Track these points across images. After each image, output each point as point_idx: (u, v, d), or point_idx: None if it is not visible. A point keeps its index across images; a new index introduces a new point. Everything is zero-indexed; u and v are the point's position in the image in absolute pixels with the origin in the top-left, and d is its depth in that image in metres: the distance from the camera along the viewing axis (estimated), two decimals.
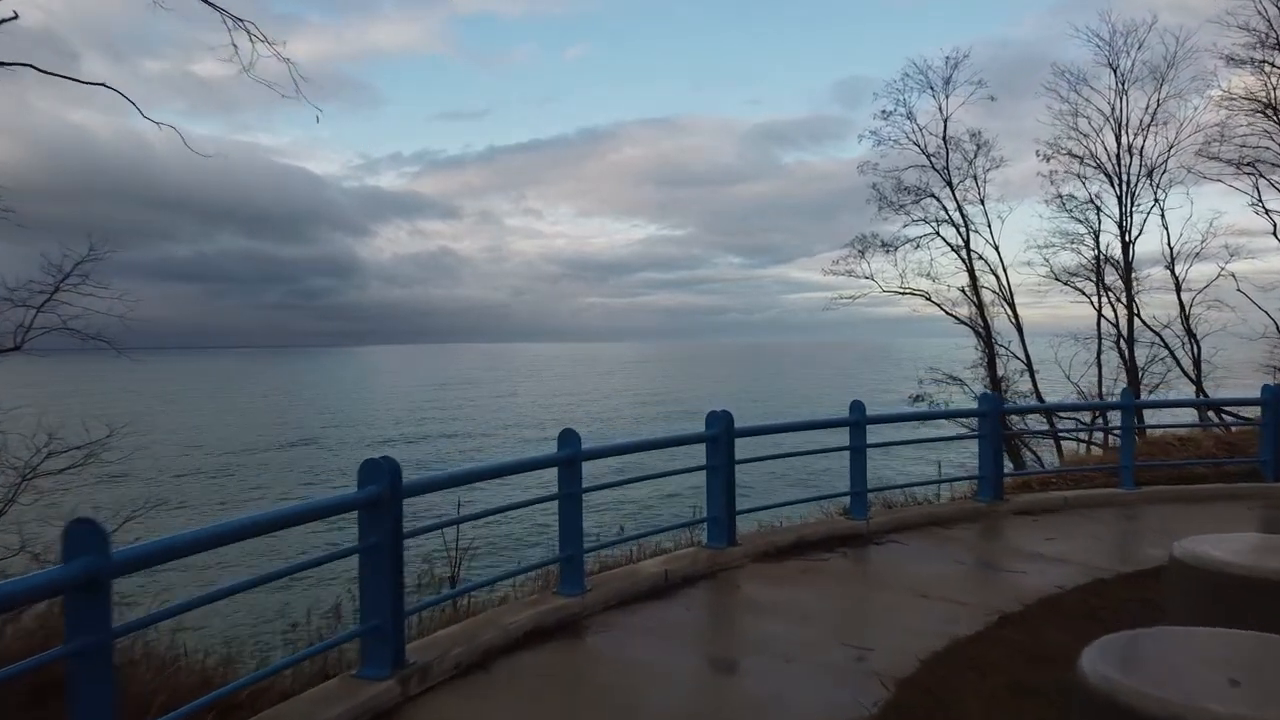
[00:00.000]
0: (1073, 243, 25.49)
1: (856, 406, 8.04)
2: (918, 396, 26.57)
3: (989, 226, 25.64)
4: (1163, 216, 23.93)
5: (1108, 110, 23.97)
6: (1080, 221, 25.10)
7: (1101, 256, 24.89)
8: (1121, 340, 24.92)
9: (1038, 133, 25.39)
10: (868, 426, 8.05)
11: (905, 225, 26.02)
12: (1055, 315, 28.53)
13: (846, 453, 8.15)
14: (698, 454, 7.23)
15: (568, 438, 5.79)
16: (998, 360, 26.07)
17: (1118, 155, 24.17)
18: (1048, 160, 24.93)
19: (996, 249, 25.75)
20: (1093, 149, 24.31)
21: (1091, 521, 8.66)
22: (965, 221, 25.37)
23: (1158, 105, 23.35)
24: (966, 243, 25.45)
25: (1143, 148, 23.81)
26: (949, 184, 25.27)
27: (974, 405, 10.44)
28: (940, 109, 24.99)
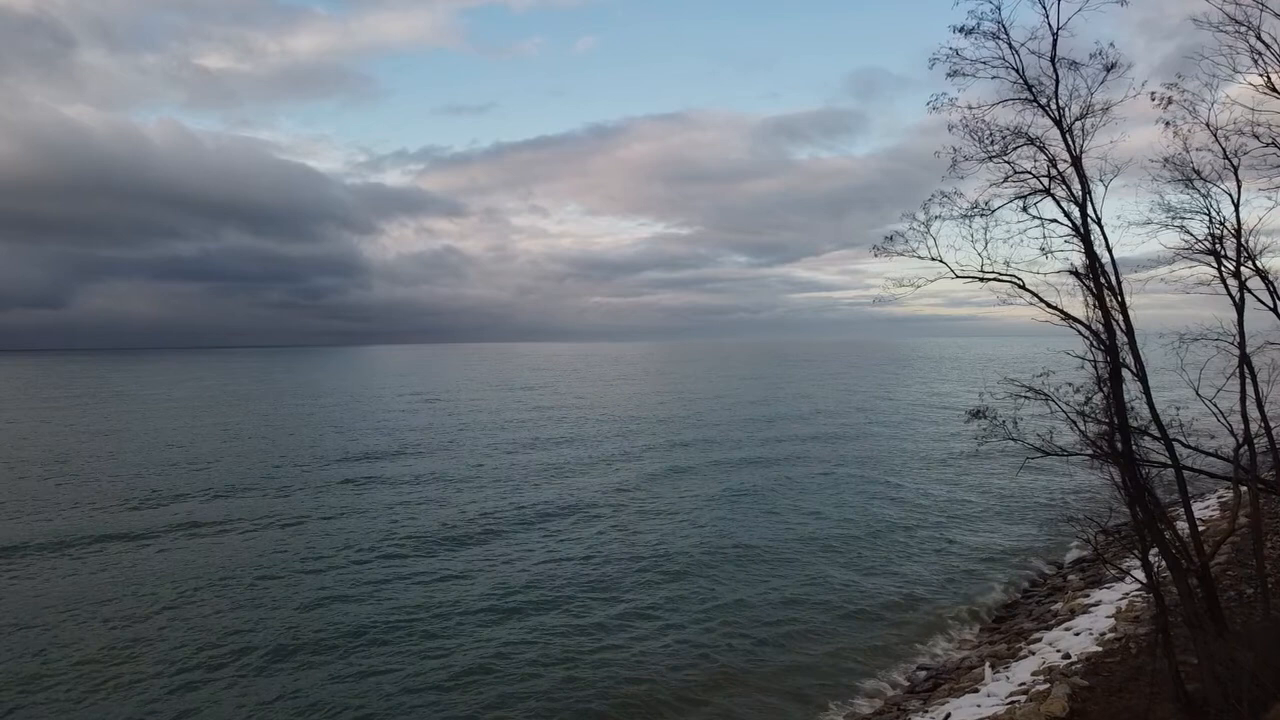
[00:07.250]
0: (1176, 219, 18.18)
1: None
2: (978, 411, 19.40)
3: (1088, 195, 18.15)
4: None
5: None
6: (1201, 191, 17.72)
7: (1238, 230, 17.51)
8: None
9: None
10: None
11: (992, 187, 18.62)
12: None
13: None
14: None
15: None
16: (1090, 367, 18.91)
17: None
18: (1166, 105, 17.46)
19: (1099, 223, 18.19)
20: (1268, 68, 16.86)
21: None
22: (1082, 177, 17.89)
23: None
24: (1083, 207, 17.93)
25: None
26: (1059, 124, 17.79)
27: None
28: (1047, 18, 17.53)
